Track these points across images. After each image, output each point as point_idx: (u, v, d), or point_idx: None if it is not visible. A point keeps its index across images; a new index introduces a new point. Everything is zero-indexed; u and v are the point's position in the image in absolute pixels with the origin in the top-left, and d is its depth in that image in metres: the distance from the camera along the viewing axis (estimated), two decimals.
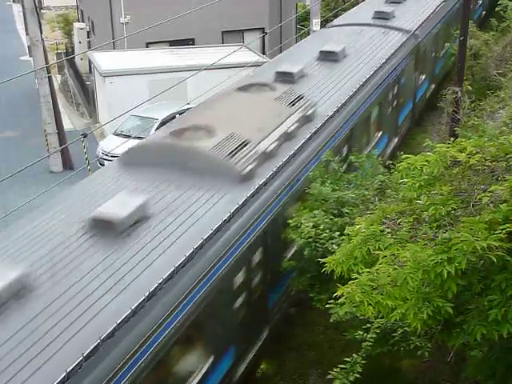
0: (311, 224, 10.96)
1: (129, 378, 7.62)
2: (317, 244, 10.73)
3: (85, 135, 16.15)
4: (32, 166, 11.58)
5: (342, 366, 9.20)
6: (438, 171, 7.41)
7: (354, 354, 9.35)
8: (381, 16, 22.25)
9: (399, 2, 24.65)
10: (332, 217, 11.32)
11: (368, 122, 17.27)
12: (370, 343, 9.48)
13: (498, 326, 6.59)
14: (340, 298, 7.13)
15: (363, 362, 9.23)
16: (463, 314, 7.04)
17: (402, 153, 9.14)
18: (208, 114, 13.38)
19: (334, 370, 9.18)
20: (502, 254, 6.42)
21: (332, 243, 10.43)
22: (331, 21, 24.88)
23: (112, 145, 20.58)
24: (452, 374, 11.09)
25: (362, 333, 9.68)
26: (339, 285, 7.19)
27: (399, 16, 22.67)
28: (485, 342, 7.52)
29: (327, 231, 10.85)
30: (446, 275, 6.35)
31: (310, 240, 10.85)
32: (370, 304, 6.81)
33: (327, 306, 9.49)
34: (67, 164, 23.03)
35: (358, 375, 9.10)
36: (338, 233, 10.54)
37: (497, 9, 27.35)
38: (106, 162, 20.21)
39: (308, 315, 13.07)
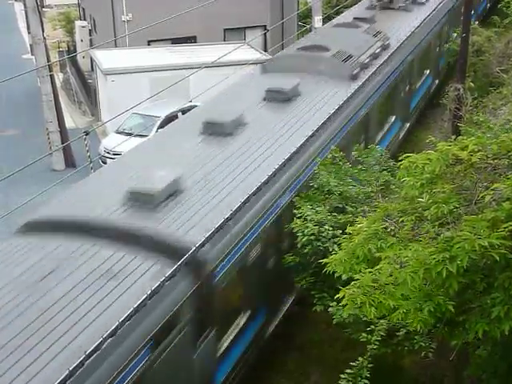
0: (314, 222, 10.89)
1: None
2: (318, 243, 10.69)
3: (87, 133, 16.15)
4: (34, 164, 11.53)
5: (349, 370, 9.12)
6: (440, 169, 7.38)
7: (359, 358, 9.27)
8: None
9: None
10: (335, 213, 11.27)
11: None
12: (375, 346, 9.42)
13: (500, 323, 6.58)
14: (342, 299, 7.11)
15: (370, 365, 9.16)
16: (466, 313, 7.02)
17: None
18: None
19: (342, 376, 9.09)
20: (505, 252, 6.39)
21: (334, 242, 10.35)
22: (333, 18, 24.61)
23: (114, 143, 20.63)
24: (454, 370, 11.07)
25: (366, 335, 9.62)
26: (341, 287, 7.16)
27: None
28: (488, 340, 7.50)
29: (330, 228, 10.78)
30: (444, 274, 6.33)
31: (313, 238, 10.77)
32: (372, 305, 6.79)
33: (330, 309, 9.46)
34: (69, 162, 23.04)
35: (366, 381, 9.06)
36: (341, 231, 10.38)
37: (499, 5, 27.29)
38: (108, 160, 20.23)
39: (310, 313, 13.04)
